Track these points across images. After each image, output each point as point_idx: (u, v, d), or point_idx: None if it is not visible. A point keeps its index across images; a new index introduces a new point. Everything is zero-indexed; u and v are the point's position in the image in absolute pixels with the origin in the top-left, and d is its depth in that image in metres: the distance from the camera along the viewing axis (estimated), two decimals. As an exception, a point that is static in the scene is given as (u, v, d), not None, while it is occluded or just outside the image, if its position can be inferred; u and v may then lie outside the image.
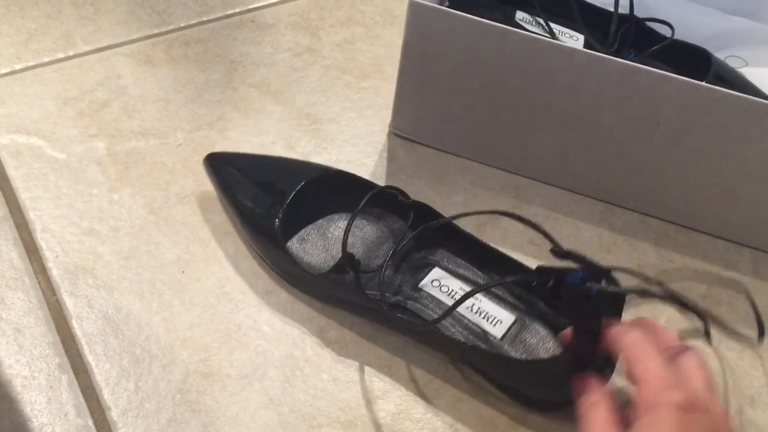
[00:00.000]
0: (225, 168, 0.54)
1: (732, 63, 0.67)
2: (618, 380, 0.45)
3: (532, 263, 0.55)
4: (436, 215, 0.51)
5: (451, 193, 0.59)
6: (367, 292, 0.47)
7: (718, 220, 0.58)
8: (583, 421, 0.40)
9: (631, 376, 0.39)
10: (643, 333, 0.41)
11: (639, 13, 0.65)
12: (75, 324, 0.49)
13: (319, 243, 0.52)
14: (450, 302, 0.49)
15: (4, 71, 0.62)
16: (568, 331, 0.45)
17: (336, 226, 0.53)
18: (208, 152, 0.55)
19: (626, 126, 0.54)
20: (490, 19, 0.52)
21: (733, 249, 0.58)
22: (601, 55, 0.51)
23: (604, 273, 0.42)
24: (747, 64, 0.68)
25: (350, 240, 0.50)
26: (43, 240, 0.52)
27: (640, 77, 0.50)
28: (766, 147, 0.51)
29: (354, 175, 0.54)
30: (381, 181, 0.59)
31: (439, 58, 0.55)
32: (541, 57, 0.52)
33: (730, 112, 0.50)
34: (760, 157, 0.52)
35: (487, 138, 0.59)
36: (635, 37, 0.64)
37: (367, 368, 0.49)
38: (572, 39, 0.67)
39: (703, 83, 0.50)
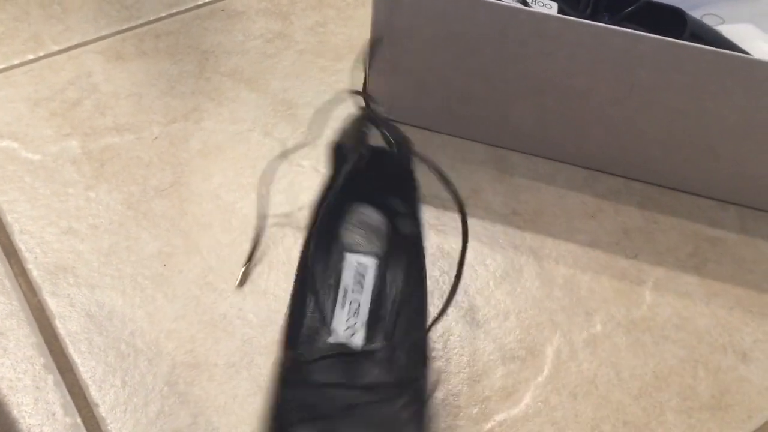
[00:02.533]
0: None
1: (708, 21, 0.67)
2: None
3: (517, 235, 0.55)
4: None
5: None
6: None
7: (701, 179, 0.57)
8: None
9: None
10: None
11: (611, -24, 0.64)
12: (58, 324, 0.48)
13: None
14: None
15: (-27, 76, 0.61)
16: None
17: None
18: (185, 146, 0.55)
19: (601, 89, 0.53)
20: (458, -10, 0.51)
21: (719, 207, 0.58)
22: (572, 19, 0.50)
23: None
24: (724, 21, 0.68)
25: None
26: (21, 242, 0.52)
27: (611, 39, 0.50)
28: (742, 101, 0.51)
29: None
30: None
31: (409, 34, 0.54)
32: (512, 25, 0.51)
33: (704, 68, 0.50)
34: (738, 111, 0.52)
35: (463, 111, 0.59)
36: (608, 1, 0.64)
37: (355, 349, 0.48)
38: (546, 7, 0.66)
39: (675, 40, 0.49)
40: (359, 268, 0.48)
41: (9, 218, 0.53)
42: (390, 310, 0.46)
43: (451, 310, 0.51)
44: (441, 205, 0.56)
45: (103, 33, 0.65)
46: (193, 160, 0.57)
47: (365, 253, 0.49)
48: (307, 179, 0.57)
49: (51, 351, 0.47)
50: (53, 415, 0.44)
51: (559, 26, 0.51)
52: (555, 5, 0.67)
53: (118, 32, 0.66)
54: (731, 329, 0.51)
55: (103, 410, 0.45)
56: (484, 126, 0.59)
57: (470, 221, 0.55)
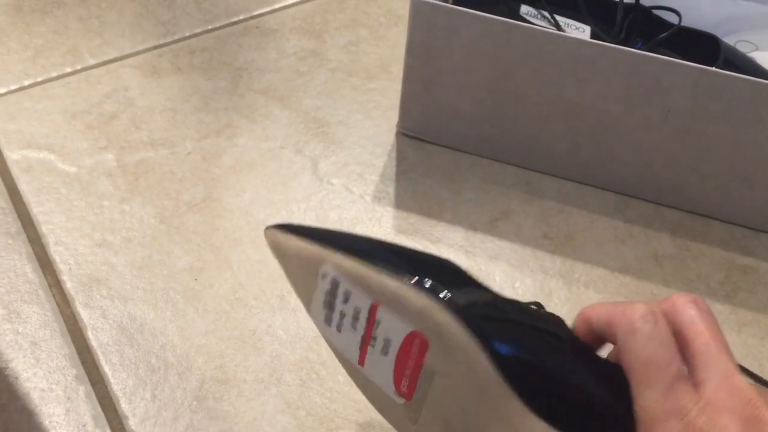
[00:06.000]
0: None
1: (742, 48, 0.66)
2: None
3: (547, 258, 0.55)
4: None
5: (461, 191, 0.58)
6: None
7: (734, 207, 0.57)
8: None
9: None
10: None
11: (645, 1, 0.64)
12: (90, 335, 0.49)
13: None
14: None
15: (13, 87, 0.62)
16: None
17: None
18: (218, 161, 0.55)
19: (636, 115, 0.53)
20: (494, 14, 0.51)
21: (751, 235, 0.57)
22: (607, 45, 0.50)
23: None
24: (757, 48, 0.67)
25: None
26: (56, 253, 0.52)
27: (647, 65, 0.50)
28: (779, 130, 0.51)
29: None
30: (391, 181, 0.58)
31: (444, 56, 0.55)
32: (547, 49, 0.52)
33: (740, 96, 0.50)
34: (774, 140, 0.51)
35: (495, 133, 0.59)
36: (642, 26, 0.64)
37: (383, 369, 0.48)
38: (579, 31, 0.67)
39: (711, 68, 0.49)
40: None
41: (44, 229, 0.54)
42: None
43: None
44: (470, 227, 0.56)
45: (140, 48, 0.66)
46: (225, 176, 0.58)
47: None
48: (337, 197, 0.57)
49: (83, 362, 0.47)
50: (84, 426, 0.45)
51: (593, 52, 0.51)
52: (588, 29, 0.67)
53: (155, 47, 0.67)
54: (762, 359, 0.51)
55: (132, 423, 0.45)
56: (516, 148, 0.59)
57: (500, 243, 0.55)
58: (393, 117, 0.62)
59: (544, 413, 0.29)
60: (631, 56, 0.50)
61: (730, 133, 0.52)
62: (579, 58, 0.51)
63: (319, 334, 0.49)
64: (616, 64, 0.51)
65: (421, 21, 0.53)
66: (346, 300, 0.34)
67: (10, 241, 0.53)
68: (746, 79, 0.49)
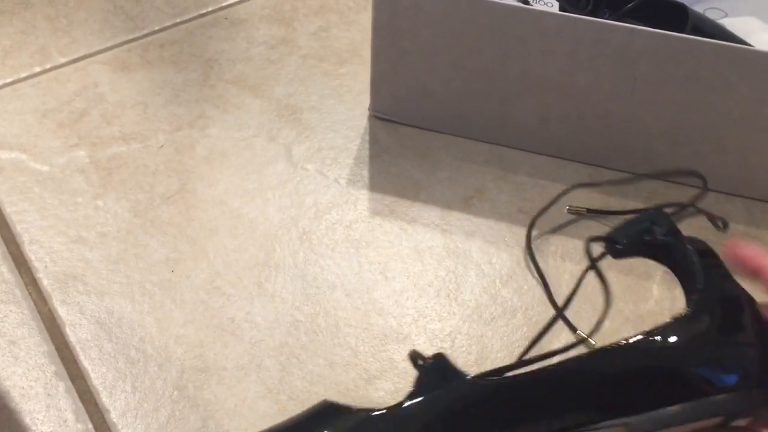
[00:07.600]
0: None
1: (711, 15, 0.66)
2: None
3: (522, 233, 0.55)
4: None
5: (435, 170, 0.58)
6: None
7: (707, 172, 0.57)
8: None
9: None
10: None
11: (612, -28, 0.64)
12: (68, 331, 0.49)
13: None
14: None
15: (-18, 90, 0.62)
16: None
17: None
18: (191, 153, 0.55)
19: (603, 85, 0.53)
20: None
21: (726, 200, 0.57)
22: (570, 15, 0.50)
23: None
24: (727, 15, 0.67)
25: None
26: (31, 252, 0.52)
27: (610, 34, 0.50)
28: (747, 93, 0.51)
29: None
30: (365, 164, 0.58)
31: (410, 35, 0.54)
32: (511, 23, 0.52)
33: (706, 60, 0.50)
34: (742, 104, 0.51)
35: (466, 111, 0.59)
36: (610, -2, 0.64)
37: (362, 349, 0.49)
38: (547, 6, 0.67)
39: (675, 33, 0.49)
40: None
41: (19, 228, 0.53)
42: None
43: (457, 309, 0.51)
44: (446, 206, 0.56)
45: (109, 44, 0.66)
46: (198, 167, 0.58)
47: None
48: (312, 183, 0.57)
49: (62, 358, 0.48)
50: (65, 421, 0.45)
51: (557, 23, 0.51)
52: (556, 3, 0.67)
53: (124, 43, 0.66)
54: None
55: (114, 416, 0.45)
56: (487, 125, 0.59)
57: (475, 220, 0.55)
58: (365, 100, 0.62)
59: None
60: (594, 25, 0.50)
61: (699, 98, 0.52)
62: (543, 31, 0.51)
63: (297, 318, 0.50)
64: (580, 34, 0.51)
65: (385, 1, 0.53)
66: None
67: (-16, 243, 0.53)
68: (711, 43, 0.49)
